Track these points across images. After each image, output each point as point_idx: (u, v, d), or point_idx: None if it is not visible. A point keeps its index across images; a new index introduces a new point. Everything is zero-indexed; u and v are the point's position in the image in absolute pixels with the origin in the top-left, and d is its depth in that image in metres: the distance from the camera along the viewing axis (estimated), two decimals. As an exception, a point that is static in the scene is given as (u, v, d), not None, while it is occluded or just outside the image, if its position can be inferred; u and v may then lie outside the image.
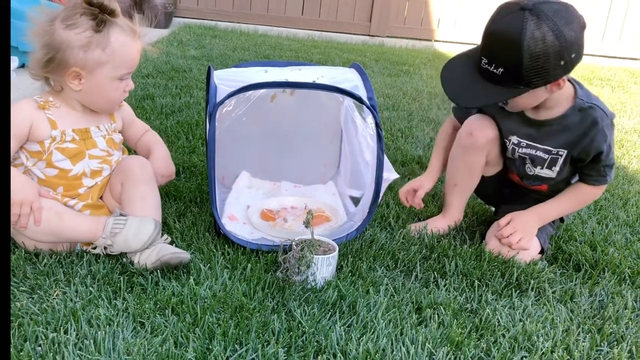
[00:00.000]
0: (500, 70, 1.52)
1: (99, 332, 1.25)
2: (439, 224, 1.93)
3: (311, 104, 1.98)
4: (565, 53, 1.49)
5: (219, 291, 1.45)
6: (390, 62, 5.06)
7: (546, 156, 1.76)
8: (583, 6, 6.36)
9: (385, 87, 4.07)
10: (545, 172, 1.80)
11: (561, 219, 1.94)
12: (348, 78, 1.76)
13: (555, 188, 1.86)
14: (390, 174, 2.11)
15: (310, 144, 2.12)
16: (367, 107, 1.67)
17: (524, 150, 1.79)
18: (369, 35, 6.38)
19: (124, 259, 1.55)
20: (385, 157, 2.11)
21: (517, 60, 1.48)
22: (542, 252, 1.84)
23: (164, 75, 3.60)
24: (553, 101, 1.68)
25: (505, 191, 2.00)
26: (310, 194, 2.09)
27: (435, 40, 6.39)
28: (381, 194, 2.04)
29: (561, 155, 1.74)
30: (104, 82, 1.56)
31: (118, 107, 1.71)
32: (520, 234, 1.76)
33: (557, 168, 1.77)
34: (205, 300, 1.41)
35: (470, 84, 1.59)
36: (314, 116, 2.05)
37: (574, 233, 1.98)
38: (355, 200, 2.01)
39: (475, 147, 1.83)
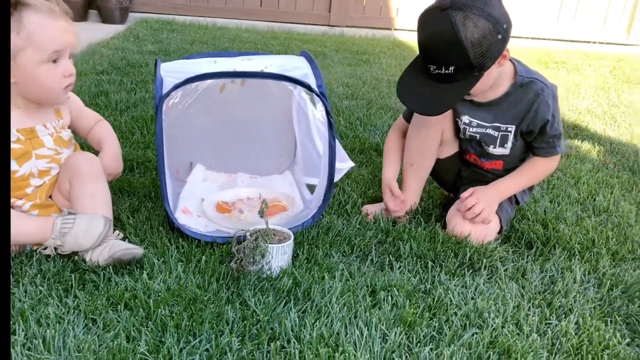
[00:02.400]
0: (452, 68, 1.59)
1: (48, 331, 1.23)
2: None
3: (262, 93, 1.97)
4: (498, 27, 1.56)
5: (173, 284, 1.44)
6: (350, 52, 5.07)
7: (496, 133, 1.82)
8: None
9: (345, 76, 4.07)
10: (499, 151, 1.86)
11: (517, 202, 1.97)
12: (297, 66, 1.76)
13: (510, 167, 1.92)
14: (346, 163, 2.12)
15: (265, 134, 2.12)
16: (317, 95, 1.67)
17: (475, 129, 1.85)
18: (328, 25, 6.37)
19: (76, 257, 1.53)
20: (341, 147, 2.13)
21: (463, 55, 1.55)
22: (500, 231, 1.88)
23: (119, 71, 3.54)
24: (498, 79, 1.74)
25: (462, 173, 2.03)
26: (267, 184, 2.09)
27: (395, 29, 6.42)
28: (337, 180, 2.06)
29: (510, 132, 1.81)
30: (32, 67, 1.49)
31: (65, 98, 1.64)
32: (483, 206, 1.79)
33: (509, 144, 1.84)
34: (159, 294, 1.40)
35: (432, 93, 1.65)
36: (266, 106, 2.04)
37: (527, 212, 2.02)
38: (312, 188, 2.01)
39: (429, 123, 1.87)
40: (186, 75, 1.58)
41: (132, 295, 1.39)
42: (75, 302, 1.35)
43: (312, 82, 1.70)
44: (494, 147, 1.86)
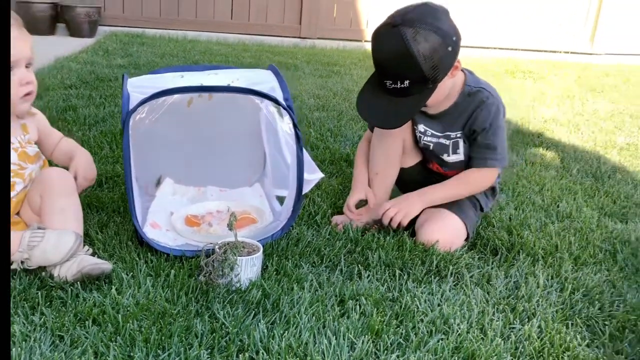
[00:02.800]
0: (407, 82, 1.66)
1: (14, 349, 1.22)
2: (364, 218, 1.98)
3: (230, 107, 1.99)
4: (448, 40, 1.63)
5: (142, 299, 1.44)
6: (321, 64, 5.12)
7: (447, 142, 1.89)
8: (503, 5, 6.64)
9: (316, 88, 4.11)
10: (453, 158, 1.92)
11: (481, 208, 2.02)
12: (265, 80, 1.79)
13: None
14: (315, 175, 2.15)
15: (234, 147, 2.13)
16: (284, 108, 1.70)
17: (429, 138, 1.92)
18: (299, 37, 6.43)
19: (43, 273, 1.52)
20: (310, 158, 2.15)
21: (417, 68, 1.62)
22: (467, 238, 1.92)
23: (88, 86, 3.52)
24: (451, 90, 1.81)
25: (427, 182, 2.07)
26: (236, 197, 2.10)
27: (365, 41, 6.50)
28: (306, 192, 2.08)
29: (460, 137, 1.88)
30: None
31: (24, 107, 1.62)
32: (395, 210, 1.85)
33: (461, 149, 1.90)
34: (128, 308, 1.40)
35: (389, 107, 1.72)
36: (234, 119, 2.06)
37: (492, 219, 2.07)
38: (282, 200, 2.03)
39: (390, 133, 1.93)
40: (153, 90, 1.59)
41: (101, 310, 1.38)
42: (42, 319, 1.35)
43: (279, 95, 1.73)
44: (448, 155, 1.92)
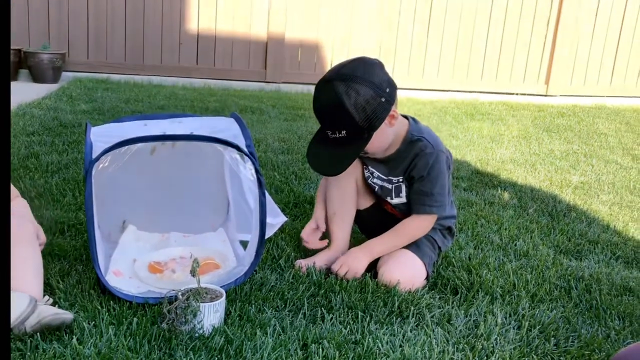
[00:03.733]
0: (344, 132, 1.76)
1: (-30, 405, 1.20)
2: (320, 260, 2.01)
3: (193, 153, 2.02)
4: (380, 91, 1.74)
5: (104, 348, 1.43)
6: (287, 107, 5.20)
7: (390, 186, 1.99)
8: (461, 50, 6.89)
9: (281, 131, 4.17)
10: (396, 200, 2.01)
11: (439, 247, 2.07)
12: (227, 127, 1.83)
13: None
14: (279, 219, 2.19)
15: (197, 193, 2.15)
16: (246, 155, 1.74)
17: (375, 180, 2.02)
18: (265, 81, 6.53)
19: (1, 325, 1.49)
20: (273, 202, 2.19)
21: (350, 120, 1.72)
22: (427, 277, 1.97)
23: (51, 132, 3.51)
24: (395, 137, 1.90)
25: (386, 223, 2.12)
26: (200, 242, 2.11)
27: (330, 84, 6.63)
28: (270, 236, 2.11)
29: (402, 182, 1.97)
30: None
31: None
32: (345, 268, 1.92)
33: (403, 193, 1.98)
34: (89, 359, 1.39)
35: (332, 155, 1.83)
36: (198, 165, 2.09)
37: (452, 259, 2.12)
38: (246, 244, 2.05)
39: (343, 173, 1.96)
40: (116, 139, 1.61)
41: (61, 362, 1.37)
42: (0, 372, 1.32)
43: (241, 142, 1.77)
44: (392, 198, 2.00)
